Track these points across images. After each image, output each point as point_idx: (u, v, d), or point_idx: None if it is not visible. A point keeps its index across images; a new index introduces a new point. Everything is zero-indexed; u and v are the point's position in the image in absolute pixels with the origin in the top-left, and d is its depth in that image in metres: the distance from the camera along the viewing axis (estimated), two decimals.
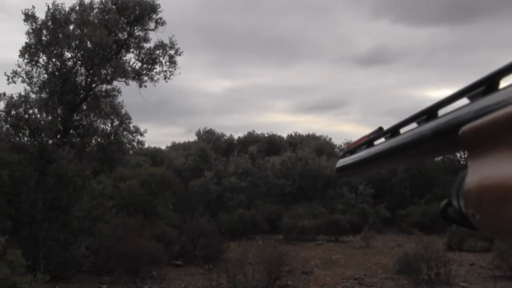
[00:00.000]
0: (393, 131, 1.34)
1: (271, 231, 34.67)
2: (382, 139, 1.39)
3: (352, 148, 1.58)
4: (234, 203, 37.74)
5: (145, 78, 24.48)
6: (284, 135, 56.09)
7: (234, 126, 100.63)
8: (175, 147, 53.53)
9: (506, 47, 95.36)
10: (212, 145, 46.75)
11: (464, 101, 0.99)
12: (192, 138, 51.96)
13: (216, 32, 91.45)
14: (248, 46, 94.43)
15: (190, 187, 37.36)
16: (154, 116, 77.13)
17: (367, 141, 1.49)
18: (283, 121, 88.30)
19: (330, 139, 54.34)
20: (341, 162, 1.60)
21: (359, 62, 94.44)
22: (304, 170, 42.80)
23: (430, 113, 1.13)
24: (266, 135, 54.46)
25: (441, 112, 1.10)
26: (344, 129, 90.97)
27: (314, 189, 42.53)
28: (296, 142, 52.78)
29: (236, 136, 54.05)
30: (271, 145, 51.81)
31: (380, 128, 1.46)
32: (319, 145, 50.16)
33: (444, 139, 1.03)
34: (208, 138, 50.47)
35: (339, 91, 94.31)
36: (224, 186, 38.42)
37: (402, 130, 1.30)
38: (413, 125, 1.20)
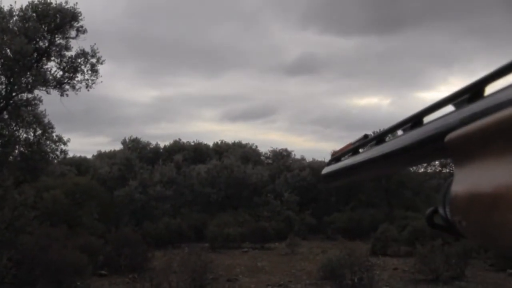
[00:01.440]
0: (378, 138, 1.35)
1: (197, 240, 34.60)
2: (368, 147, 1.41)
3: (337, 156, 1.60)
4: (160, 212, 37.54)
5: (67, 86, 24.18)
6: (211, 144, 56.15)
7: (162, 135, 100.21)
8: (100, 156, 53.00)
9: (431, 56, 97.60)
10: (138, 154, 46.42)
11: (449, 108, 1.00)
12: (119, 147, 51.55)
13: (144, 41, 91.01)
14: (176, 55, 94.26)
15: (115, 196, 37.05)
16: (80, 125, 76.23)
17: (352, 149, 1.51)
18: (211, 130, 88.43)
19: (256, 147, 54.50)
20: (327, 169, 1.62)
21: (287, 71, 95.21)
22: (230, 178, 42.85)
23: (415, 120, 1.14)
24: (192, 144, 54.37)
25: (426, 119, 1.11)
26: (271, 137, 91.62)
27: (239, 197, 42.63)
28: (222, 150, 52.81)
29: (162, 145, 53.87)
30: (197, 153, 51.71)
31: (365, 136, 1.48)
32: (245, 153, 50.28)
33: (430, 146, 1.03)
34: (134, 146, 50.07)
35: (267, 100, 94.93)
36: (149, 195, 38.19)
37: (387, 138, 1.32)
38: (399, 132, 1.21)
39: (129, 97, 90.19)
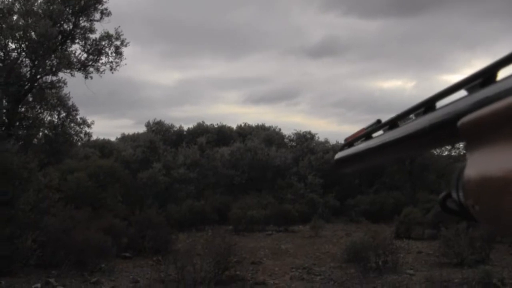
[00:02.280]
0: (391, 123, 1.35)
1: (220, 222, 34.66)
2: (380, 132, 1.41)
3: (350, 141, 1.60)
4: (183, 194, 37.54)
5: (91, 69, 24.23)
6: (234, 126, 56.17)
7: (185, 118, 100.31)
8: (124, 138, 53.19)
9: (453, 39, 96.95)
10: (161, 137, 46.55)
11: (462, 93, 0.99)
12: (142, 129, 51.69)
13: (167, 24, 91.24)
14: (199, 38, 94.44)
15: (138, 179, 37.10)
16: (104, 107, 76.77)
17: (365, 134, 1.51)
18: (234, 112, 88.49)
19: (280, 129, 54.46)
20: (340, 155, 1.63)
21: (310, 54, 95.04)
22: (253, 160, 42.84)
23: (428, 105, 1.13)
24: (216, 126, 54.41)
25: (439, 104, 1.10)
26: (294, 119, 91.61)
27: (263, 179, 42.61)
28: (245, 132, 52.80)
29: (186, 128, 53.97)
30: (220, 136, 51.76)
31: (378, 121, 1.48)
32: (268, 136, 50.22)
33: (443, 131, 1.03)
34: (158, 129, 50.20)
35: (290, 82, 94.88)
36: (173, 177, 38.25)
37: (400, 123, 1.31)
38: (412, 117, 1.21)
39: (152, 80, 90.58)
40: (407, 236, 30.14)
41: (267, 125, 55.55)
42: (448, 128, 0.98)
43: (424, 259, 24.52)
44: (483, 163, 0.84)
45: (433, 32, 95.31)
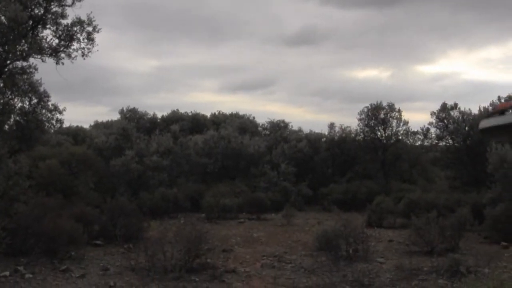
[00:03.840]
0: None
1: (193, 210, 34.70)
2: None
3: (501, 109, 1.57)
4: (156, 182, 37.47)
5: (62, 55, 23.93)
6: (209, 114, 56.20)
7: (160, 105, 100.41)
8: (97, 125, 53.03)
9: (431, 29, 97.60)
10: (135, 124, 46.32)
11: None
12: (117, 117, 51.50)
13: (144, 11, 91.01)
14: (177, 25, 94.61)
15: (111, 166, 36.94)
16: (80, 94, 76.56)
17: None
18: (210, 100, 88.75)
19: (254, 117, 54.49)
20: (489, 123, 1.58)
21: (287, 43, 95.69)
22: (227, 148, 42.85)
23: None
24: (190, 114, 54.37)
25: None
26: (270, 108, 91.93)
27: (236, 167, 42.68)
28: (219, 121, 52.89)
29: (160, 115, 53.89)
30: (194, 124, 51.77)
31: None
32: (242, 124, 50.25)
33: None
34: (131, 116, 50.04)
35: (267, 71, 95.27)
36: (146, 165, 38.08)
37: None
38: None
39: (129, 67, 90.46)
40: (379, 225, 30.39)
41: (241, 113, 55.63)
42: None
43: (394, 248, 24.68)
44: None
45: (410, 22, 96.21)
